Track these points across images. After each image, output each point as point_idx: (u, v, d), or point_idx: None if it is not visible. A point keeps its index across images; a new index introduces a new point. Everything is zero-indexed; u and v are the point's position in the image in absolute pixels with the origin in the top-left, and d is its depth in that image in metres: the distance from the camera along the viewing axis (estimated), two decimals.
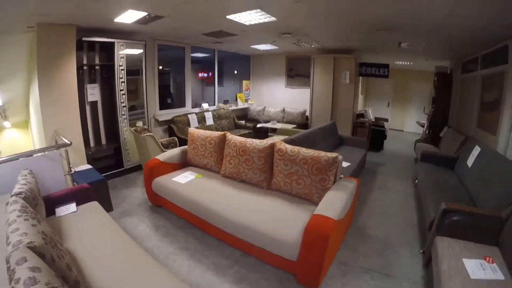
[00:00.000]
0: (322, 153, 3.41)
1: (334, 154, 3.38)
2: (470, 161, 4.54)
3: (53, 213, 3.05)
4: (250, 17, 4.63)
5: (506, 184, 3.24)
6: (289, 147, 3.66)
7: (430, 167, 5.31)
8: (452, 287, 2.12)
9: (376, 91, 13.65)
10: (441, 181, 4.55)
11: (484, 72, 5.68)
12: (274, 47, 8.32)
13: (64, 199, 3.23)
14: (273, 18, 4.63)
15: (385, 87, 13.10)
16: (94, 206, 3.30)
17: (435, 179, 4.63)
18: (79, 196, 3.33)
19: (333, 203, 3.01)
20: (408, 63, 10.37)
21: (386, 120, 11.39)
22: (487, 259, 2.45)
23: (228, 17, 4.58)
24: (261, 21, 4.79)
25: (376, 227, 4.08)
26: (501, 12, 3.43)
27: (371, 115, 11.40)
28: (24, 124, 8.12)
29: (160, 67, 7.32)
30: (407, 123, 13.16)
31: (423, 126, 9.56)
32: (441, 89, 8.38)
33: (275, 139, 4.12)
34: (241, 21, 4.84)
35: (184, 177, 4.18)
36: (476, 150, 4.49)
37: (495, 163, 3.86)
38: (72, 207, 3.16)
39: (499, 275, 2.26)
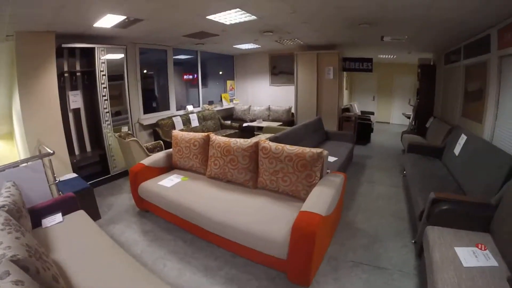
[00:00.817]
0: (307, 149, 3.41)
1: (318, 150, 3.38)
2: (457, 150, 4.59)
3: (40, 224, 2.99)
4: (230, 17, 4.62)
5: (494, 170, 3.27)
6: (273, 145, 3.65)
7: (418, 157, 5.37)
8: (445, 276, 2.11)
9: (361, 85, 13.75)
10: (429, 171, 4.61)
11: (467, 62, 5.75)
12: (257, 46, 8.33)
13: (49, 209, 3.16)
14: (254, 17, 4.63)
15: (370, 81, 13.21)
16: (80, 215, 3.25)
17: (423, 169, 4.68)
18: (64, 206, 3.27)
19: (320, 198, 3.01)
20: (392, 56, 10.47)
21: (372, 113, 11.49)
22: (479, 246, 2.45)
23: (208, 17, 4.56)
24: (242, 20, 4.79)
25: (366, 220, 4.10)
26: (481, 2, 3.47)
27: (357, 109, 11.49)
28: (9, 135, 7.97)
29: (144, 71, 7.26)
30: (393, 115, 13.29)
31: (409, 118, 9.68)
32: (425, 81, 8.47)
33: (261, 137, 4.10)
34: (221, 21, 4.84)
35: (170, 181, 4.14)
36: (463, 139, 4.53)
37: (482, 151, 3.89)
38: (58, 217, 3.10)
39: (492, 262, 2.26)
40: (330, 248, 3.44)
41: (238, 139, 4.06)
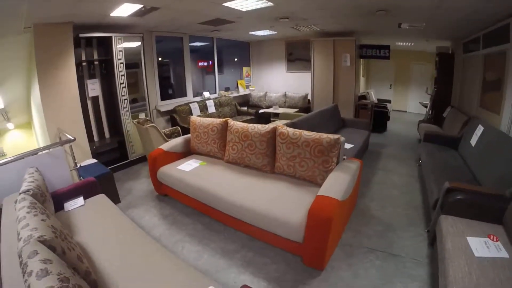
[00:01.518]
0: (324, 135, 3.42)
1: (335, 136, 3.39)
2: (473, 141, 4.51)
3: (62, 208, 3.09)
4: (247, 3, 4.61)
5: (510, 162, 3.23)
6: (290, 130, 3.66)
7: (434, 147, 5.29)
8: (456, 265, 2.12)
9: (378, 73, 13.53)
10: (444, 161, 4.55)
11: (486, 51, 5.60)
12: (273, 33, 8.27)
13: (71, 194, 3.27)
14: (270, 3, 4.61)
15: (387, 68, 12.96)
16: (101, 199, 3.35)
17: (438, 159, 4.62)
18: (86, 190, 3.37)
19: (336, 183, 3.04)
20: (409, 44, 10.26)
21: (389, 101, 11.33)
22: (491, 237, 2.44)
23: (224, 4, 4.56)
24: (258, 6, 4.77)
25: (380, 208, 4.10)
26: None
27: (374, 97, 11.35)
28: (27, 125, 8.12)
29: (160, 59, 7.30)
30: (410, 104, 13.05)
31: (426, 107, 9.51)
32: (443, 70, 8.27)
33: (278, 123, 4.12)
34: (238, 8, 4.82)
35: (188, 165, 4.21)
36: (480, 130, 4.45)
37: (498, 142, 3.82)
38: (79, 201, 3.21)
39: (504, 253, 2.25)
40: (345, 234, 3.46)
41: (256, 125, 4.08)
